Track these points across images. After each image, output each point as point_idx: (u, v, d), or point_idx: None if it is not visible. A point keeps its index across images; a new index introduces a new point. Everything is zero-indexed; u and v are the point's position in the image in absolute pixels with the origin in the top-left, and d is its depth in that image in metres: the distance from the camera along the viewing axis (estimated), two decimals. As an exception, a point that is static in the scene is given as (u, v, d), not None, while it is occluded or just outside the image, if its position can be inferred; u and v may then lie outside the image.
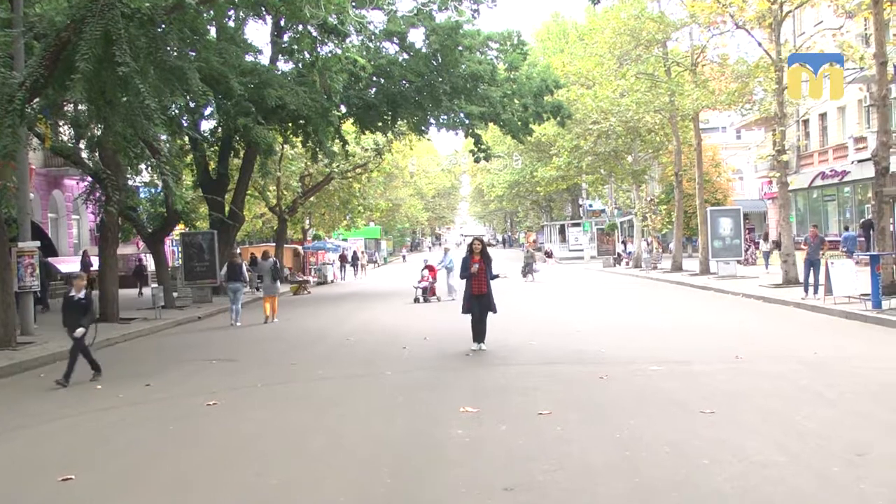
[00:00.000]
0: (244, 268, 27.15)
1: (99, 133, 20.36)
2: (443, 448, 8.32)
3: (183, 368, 15.29)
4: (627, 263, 55.66)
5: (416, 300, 29.44)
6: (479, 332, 15.67)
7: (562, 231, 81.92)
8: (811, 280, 23.99)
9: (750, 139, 69.13)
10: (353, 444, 8.65)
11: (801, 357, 13.74)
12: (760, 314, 21.88)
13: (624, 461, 7.60)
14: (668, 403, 10.13)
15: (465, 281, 16.01)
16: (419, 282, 30.20)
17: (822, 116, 48.35)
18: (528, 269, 43.79)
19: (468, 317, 15.87)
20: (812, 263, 24.08)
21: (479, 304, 15.60)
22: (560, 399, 10.62)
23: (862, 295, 21.37)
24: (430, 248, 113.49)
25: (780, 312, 22.16)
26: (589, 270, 53.89)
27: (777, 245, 44.56)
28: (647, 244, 53.51)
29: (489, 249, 16.81)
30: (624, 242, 63.97)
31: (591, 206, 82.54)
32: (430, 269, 30.86)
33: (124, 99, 16.78)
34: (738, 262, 38.01)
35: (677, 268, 43.57)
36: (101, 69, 16.01)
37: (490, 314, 15.85)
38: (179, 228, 38.46)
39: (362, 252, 67.46)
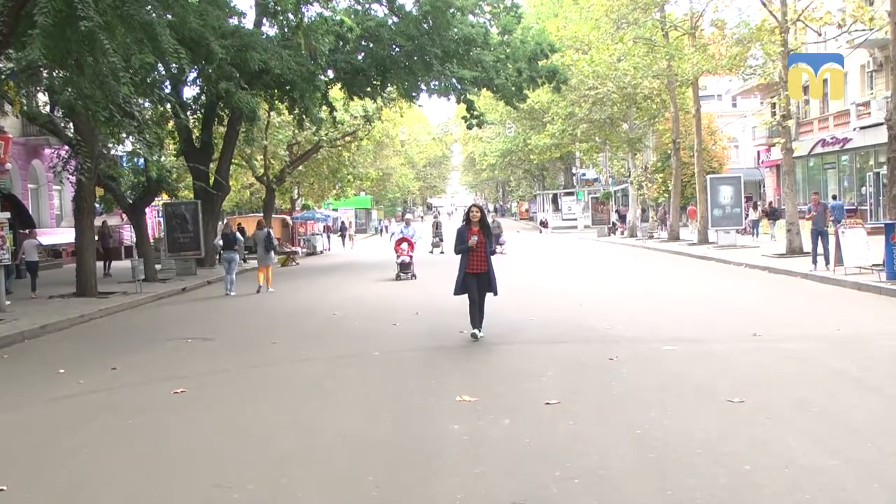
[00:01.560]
0: (238, 237, 26.54)
1: (69, 96, 19.15)
2: (438, 450, 7.16)
3: (155, 349, 14.13)
4: (622, 233, 54.92)
5: (398, 276, 26.51)
6: (478, 317, 13.16)
7: (555, 200, 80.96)
8: (820, 250, 23.01)
9: (746, 107, 68.44)
10: (332, 447, 7.46)
11: (823, 334, 12.69)
12: (769, 286, 20.86)
13: (650, 467, 6.46)
14: (689, 390, 9.03)
15: (459, 257, 13.27)
16: (399, 255, 26.98)
17: (824, 83, 47.12)
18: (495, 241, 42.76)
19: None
20: (820, 233, 23.18)
21: (477, 284, 13.06)
22: (568, 385, 9.52)
23: (874, 265, 20.55)
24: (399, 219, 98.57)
25: (790, 284, 21.17)
26: (583, 240, 52.83)
27: (766, 214, 43.85)
28: (644, 212, 52.71)
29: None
30: (618, 212, 63.07)
31: (584, 175, 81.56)
32: (408, 242, 27.48)
33: (91, 59, 15.69)
34: (738, 231, 37.02)
35: (674, 237, 42.80)
36: (65, 26, 14.88)
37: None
38: (165, 199, 37.36)
39: (350, 222, 66.42)
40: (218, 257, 39.00)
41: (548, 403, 8.54)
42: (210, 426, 8.44)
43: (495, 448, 7.14)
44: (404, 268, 26.68)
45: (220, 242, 26.05)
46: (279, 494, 6.25)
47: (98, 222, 35.66)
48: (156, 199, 36.76)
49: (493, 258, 13.58)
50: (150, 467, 7.07)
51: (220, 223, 43.30)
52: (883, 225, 21.00)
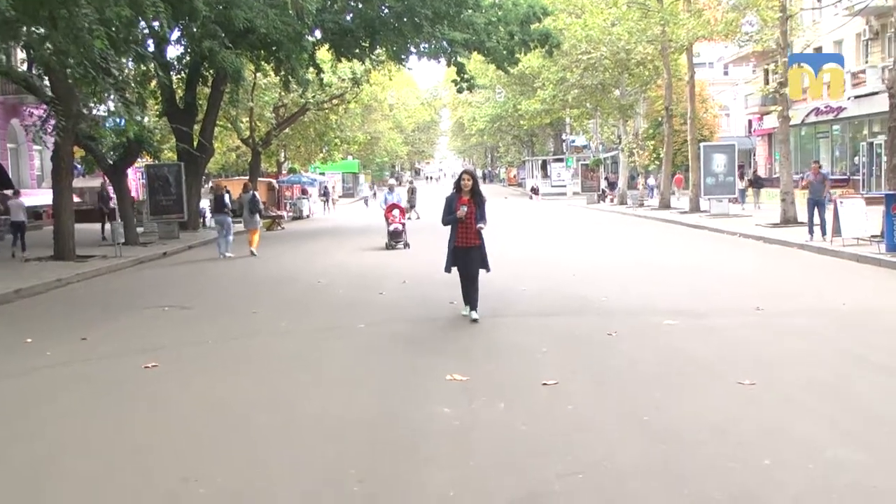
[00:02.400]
0: (228, 199, 25.94)
1: (43, 52, 18.42)
2: (427, 437, 6.55)
3: (130, 317, 13.48)
4: (612, 200, 54.36)
5: (389, 245, 24.86)
6: (471, 296, 11.85)
7: (544, 166, 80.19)
8: (816, 220, 22.51)
9: (738, 75, 67.86)
10: (312, 432, 6.84)
11: (827, 308, 12.17)
12: (765, 256, 20.37)
13: (661, 459, 5.86)
14: (695, 370, 8.46)
15: (448, 228, 11.95)
16: (389, 223, 25.19)
17: (817, 51, 46.50)
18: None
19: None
20: (817, 203, 22.67)
21: (467, 260, 11.77)
22: (565, 363, 8.95)
23: (872, 237, 20.15)
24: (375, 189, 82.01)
25: (786, 254, 20.68)
26: (573, 207, 52.20)
27: (752, 183, 43.31)
28: (633, 179, 52.24)
29: None
30: (607, 179, 62.48)
31: (573, 141, 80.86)
32: (399, 208, 25.88)
33: (65, 12, 14.97)
34: (730, 200, 36.48)
35: (665, 205, 42.29)
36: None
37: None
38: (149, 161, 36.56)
39: (332, 187, 65.55)
40: (202, 220, 39.01)
41: (545, 384, 7.96)
42: (181, 406, 7.83)
43: (490, 436, 6.53)
44: (395, 236, 25.00)
45: (211, 204, 26.19)
46: (250, 490, 5.62)
47: (95, 183, 35.09)
48: (138, 160, 36.09)
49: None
50: (110, 455, 6.41)
51: (204, 186, 42.85)
52: (879, 195, 20.58)
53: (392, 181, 28.74)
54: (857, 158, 44.31)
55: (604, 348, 9.65)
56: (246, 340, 11.15)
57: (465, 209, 11.50)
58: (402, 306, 13.55)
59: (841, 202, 20.91)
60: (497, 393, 7.76)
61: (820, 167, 24.71)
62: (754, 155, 60.08)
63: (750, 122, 63.79)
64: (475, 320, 11.53)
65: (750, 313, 11.80)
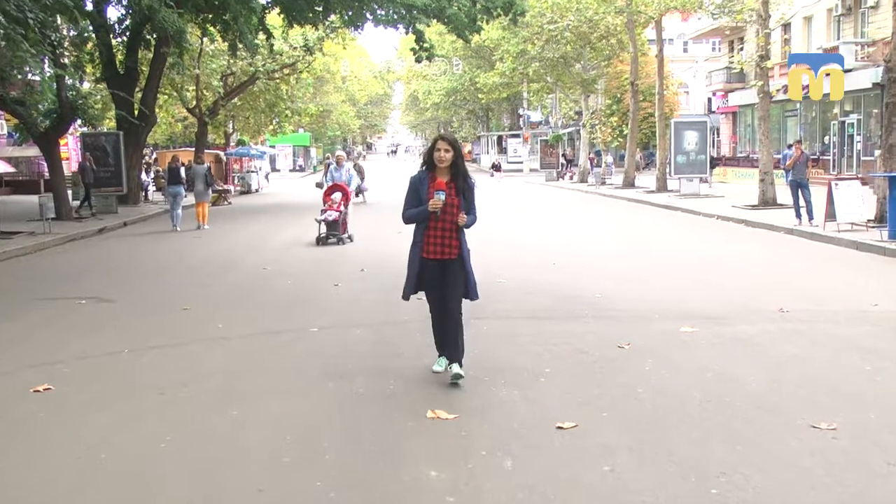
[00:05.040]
0: (183, 172, 25.28)
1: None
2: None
3: (36, 313, 11.27)
4: (571, 177, 52.75)
5: (320, 240, 19.26)
6: (447, 341, 7.49)
7: (500, 142, 78.37)
8: (801, 203, 20.95)
9: (698, 52, 66.73)
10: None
11: (859, 311, 10.33)
12: (756, 242, 18.62)
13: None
14: (749, 406, 6.50)
15: (413, 230, 7.59)
16: (324, 211, 19.69)
17: (786, 27, 44.91)
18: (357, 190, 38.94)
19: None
20: (799, 184, 21.07)
21: (443, 281, 7.47)
22: (579, 392, 6.96)
23: (868, 222, 18.85)
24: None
25: (778, 241, 18.99)
26: (531, 184, 50.30)
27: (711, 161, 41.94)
28: (599, 156, 50.79)
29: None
30: (564, 156, 60.77)
31: (529, 117, 79.15)
32: (342, 190, 20.28)
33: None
34: (702, 180, 34.93)
35: (629, 184, 40.73)
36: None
37: None
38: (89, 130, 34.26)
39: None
40: (144, 193, 36.91)
41: (560, 427, 5.98)
42: (62, 458, 5.66)
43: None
44: (332, 227, 19.38)
45: (166, 176, 25.14)
46: None
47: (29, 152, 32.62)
48: (73, 127, 33.98)
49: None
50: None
51: (147, 157, 40.65)
52: (881, 176, 19.12)
53: (340, 152, 25.33)
54: (827, 138, 42.92)
55: (621, 370, 7.65)
56: (169, 351, 8.93)
57: (442, 197, 7.20)
58: (361, 303, 11.49)
59: (836, 184, 19.41)
60: (499, 441, 5.75)
61: (802, 147, 23.19)
62: (717, 133, 58.65)
63: (709, 99, 62.48)
64: (457, 380, 7.25)
65: (775, 317, 9.94)
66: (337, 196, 19.80)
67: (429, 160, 7.46)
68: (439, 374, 7.47)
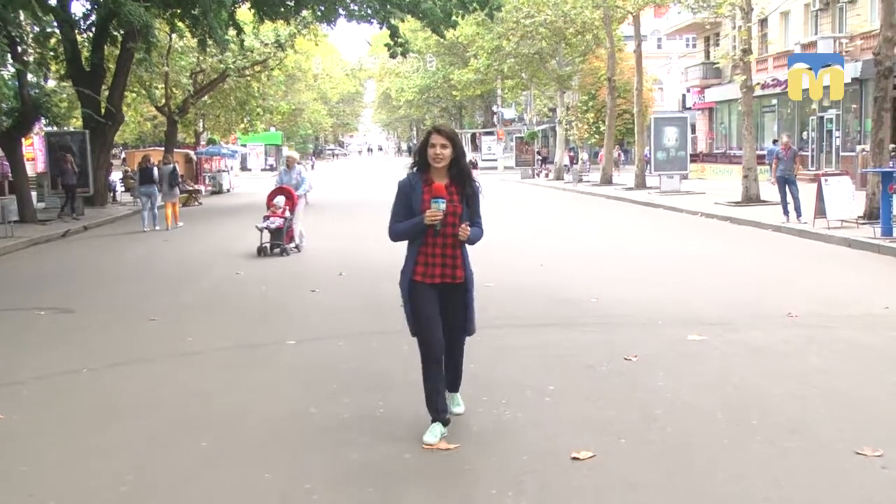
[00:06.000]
0: (156, 172, 24.50)
1: None
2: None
3: (-9, 325, 10.49)
4: (547, 175, 52.22)
5: (262, 251, 16.98)
6: (447, 374, 6.13)
7: (473, 139, 77.85)
8: (789, 200, 20.42)
9: (672, 49, 66.45)
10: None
11: (872, 315, 9.73)
12: (745, 241, 18.05)
13: None
14: (780, 428, 5.82)
15: (407, 247, 6.03)
16: (266, 217, 17.32)
17: (763, 23, 44.59)
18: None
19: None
20: (787, 181, 20.54)
21: (444, 311, 5.98)
22: (591, 414, 6.27)
23: (858, 218, 18.44)
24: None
25: (767, 239, 18.46)
26: (506, 182, 49.66)
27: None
28: (574, 152, 50.39)
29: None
30: (539, 153, 60.31)
31: (503, 114, 78.71)
32: (288, 193, 17.72)
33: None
34: (682, 177, 34.44)
35: (607, 181, 40.20)
36: None
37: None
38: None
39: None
40: (112, 194, 35.98)
41: (575, 458, 5.28)
42: None
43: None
44: (275, 235, 17.13)
45: (137, 176, 24.94)
46: None
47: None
48: (38, 127, 33.11)
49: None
50: None
51: (116, 157, 39.77)
52: (875, 172, 18.70)
53: (290, 153, 21.97)
54: (805, 133, 42.55)
55: (632, 385, 6.96)
56: (133, 369, 8.12)
57: (442, 206, 5.64)
58: (341, 310, 10.75)
59: (826, 181, 18.95)
60: (508, 477, 5.05)
61: (791, 142, 22.68)
62: (693, 130, 58.34)
63: (684, 96, 62.12)
64: (453, 414, 6.15)
65: (786, 322, 9.30)
66: (280, 200, 17.42)
67: (421, 159, 5.89)
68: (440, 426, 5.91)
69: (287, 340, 9.03)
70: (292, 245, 17.40)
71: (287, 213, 17.24)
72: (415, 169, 5.93)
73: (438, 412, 5.86)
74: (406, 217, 5.81)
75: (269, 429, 6.19)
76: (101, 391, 7.39)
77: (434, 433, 5.78)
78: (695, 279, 12.75)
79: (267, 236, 17.08)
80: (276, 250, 16.95)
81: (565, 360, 7.85)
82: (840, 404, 6.37)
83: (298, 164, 19.36)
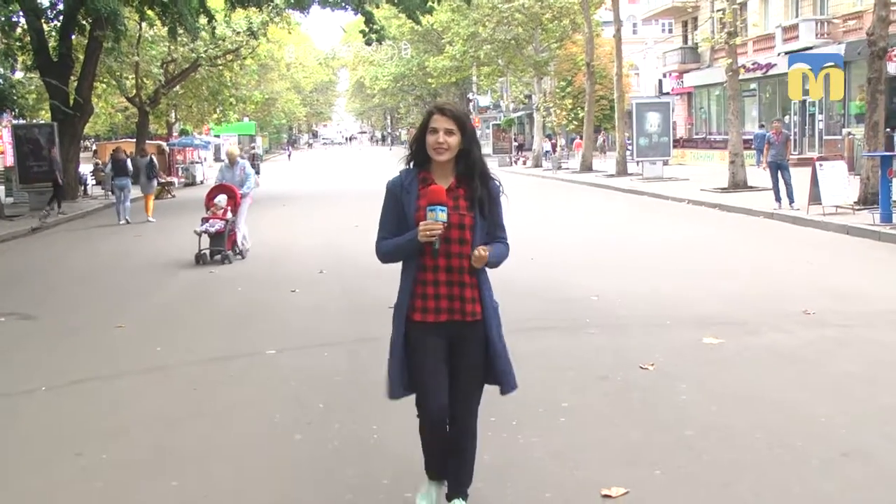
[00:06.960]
0: (129, 163, 24.34)
1: None
2: None
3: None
4: (525, 162, 51.65)
5: (200, 258, 14.70)
6: (451, 458, 4.49)
7: (449, 127, 76.95)
8: (781, 186, 19.94)
9: (647, 34, 66.07)
10: None
11: (892, 311, 9.06)
12: (738, 229, 17.59)
13: None
14: (831, 452, 5.13)
15: (402, 273, 4.34)
16: (205, 220, 14.98)
17: (742, 6, 44.11)
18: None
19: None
20: (779, 166, 20.01)
21: (451, 363, 4.33)
22: (612, 438, 5.54)
23: (854, 204, 18.07)
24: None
25: (761, 227, 17.89)
26: (485, 170, 48.99)
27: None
28: (552, 139, 49.93)
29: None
30: (515, 140, 59.77)
31: (478, 102, 78.07)
32: (230, 192, 15.40)
33: None
34: (664, 163, 33.86)
35: (587, 168, 39.67)
36: None
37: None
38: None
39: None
40: (83, 188, 35.07)
41: (607, 496, 4.57)
42: None
43: None
44: (215, 240, 14.83)
45: (110, 169, 24.78)
46: None
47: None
48: (6, 120, 32.32)
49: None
50: None
51: (86, 150, 38.89)
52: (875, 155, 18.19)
53: (231, 147, 20.52)
54: (787, 117, 42.10)
55: (654, 402, 6.23)
56: (94, 388, 7.25)
57: (443, 215, 4.03)
58: (324, 313, 9.99)
59: (821, 165, 18.40)
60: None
61: (782, 126, 22.16)
62: (672, 115, 57.98)
63: (661, 81, 61.65)
64: None
65: (804, 321, 8.62)
66: (221, 200, 15.13)
67: (419, 150, 4.25)
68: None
69: (266, 350, 8.24)
70: (237, 252, 15.29)
71: (229, 215, 15.01)
72: (411, 164, 4.31)
73: (439, 472, 4.50)
74: (398, 230, 4.20)
75: (248, 462, 5.40)
76: (56, 416, 6.54)
77: (428, 497, 4.48)
78: (694, 271, 12.12)
79: (206, 241, 14.85)
80: (217, 257, 14.78)
81: (574, 371, 7.11)
82: (889, 420, 5.68)
83: (241, 158, 17.24)
